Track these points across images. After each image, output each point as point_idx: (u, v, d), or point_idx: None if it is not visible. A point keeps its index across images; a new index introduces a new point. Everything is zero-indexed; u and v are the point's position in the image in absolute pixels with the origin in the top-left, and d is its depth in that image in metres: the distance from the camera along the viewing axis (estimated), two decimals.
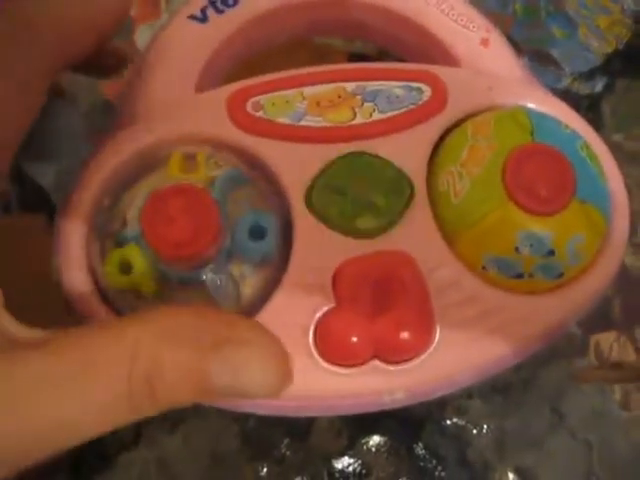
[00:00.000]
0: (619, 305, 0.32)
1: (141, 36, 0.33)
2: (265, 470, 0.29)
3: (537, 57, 0.34)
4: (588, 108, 0.35)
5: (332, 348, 0.21)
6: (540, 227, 0.21)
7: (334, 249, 0.21)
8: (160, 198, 0.20)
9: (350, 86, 0.23)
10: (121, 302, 0.21)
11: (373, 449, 0.29)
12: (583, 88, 0.35)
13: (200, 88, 0.24)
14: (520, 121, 0.22)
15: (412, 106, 0.23)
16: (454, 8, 0.25)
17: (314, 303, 0.21)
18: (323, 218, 0.21)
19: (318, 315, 0.21)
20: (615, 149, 0.24)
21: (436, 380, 0.21)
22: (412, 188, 0.22)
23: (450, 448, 0.29)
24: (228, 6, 0.25)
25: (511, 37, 0.34)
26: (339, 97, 0.23)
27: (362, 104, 0.23)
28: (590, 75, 0.35)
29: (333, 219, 0.21)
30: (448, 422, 0.30)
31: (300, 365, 0.20)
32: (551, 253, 0.21)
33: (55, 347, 0.16)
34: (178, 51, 0.24)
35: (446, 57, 0.25)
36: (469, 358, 0.21)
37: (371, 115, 0.23)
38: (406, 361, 0.21)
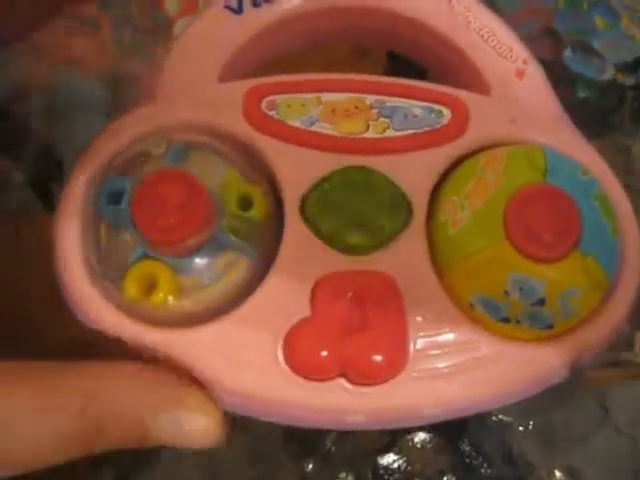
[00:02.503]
0: None
1: (178, 29, 0.33)
2: (310, 467, 0.29)
3: (580, 48, 0.33)
4: (634, 99, 0.33)
5: (299, 359, 0.20)
6: (533, 273, 0.20)
7: (319, 260, 0.21)
8: (149, 183, 0.20)
9: (370, 98, 0.23)
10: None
11: (418, 445, 0.29)
12: (628, 79, 0.33)
13: (226, 79, 0.24)
14: (534, 159, 0.21)
15: (428, 128, 0.22)
16: (495, 35, 0.24)
17: (290, 310, 0.21)
18: (314, 227, 0.21)
19: (292, 322, 0.21)
20: None
21: (400, 409, 0.20)
22: (410, 212, 0.21)
23: (495, 445, 0.29)
24: (266, 0, 0.25)
25: (553, 28, 0.33)
26: (356, 108, 0.23)
27: (377, 118, 0.22)
28: (635, 66, 0.34)
29: (323, 230, 0.21)
30: (494, 418, 0.29)
31: (265, 369, 0.20)
32: (541, 302, 0.20)
33: (18, 386, 0.18)
34: (207, 39, 0.24)
35: (477, 82, 0.24)
36: (437, 393, 0.20)
37: (384, 131, 0.22)
38: (373, 385, 0.20)
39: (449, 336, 0.21)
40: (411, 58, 0.27)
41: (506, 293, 0.20)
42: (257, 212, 0.21)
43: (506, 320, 0.21)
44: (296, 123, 0.22)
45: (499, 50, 0.24)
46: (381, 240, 0.21)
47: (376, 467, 0.29)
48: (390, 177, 0.22)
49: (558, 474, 0.29)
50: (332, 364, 0.20)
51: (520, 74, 0.24)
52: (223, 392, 0.20)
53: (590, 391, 0.29)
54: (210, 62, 0.24)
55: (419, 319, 0.21)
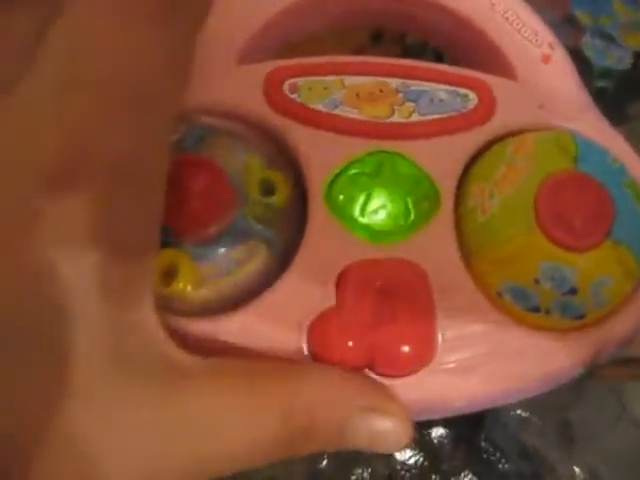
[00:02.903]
0: None
1: None
2: (325, 462, 0.28)
3: (599, 35, 0.32)
4: None
5: (324, 349, 0.20)
6: (566, 262, 0.20)
7: (345, 248, 0.20)
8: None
9: (394, 82, 0.22)
10: None
11: (435, 441, 0.29)
12: None
13: (245, 62, 0.23)
14: (564, 145, 0.21)
15: (455, 113, 0.22)
16: (520, 18, 0.24)
17: (315, 299, 0.20)
18: (340, 214, 0.20)
19: (316, 312, 0.20)
20: None
21: (427, 401, 0.20)
22: (438, 198, 0.21)
23: (512, 440, 0.29)
24: None
25: (571, 15, 0.32)
26: (380, 91, 0.22)
27: (403, 102, 0.22)
28: None
29: (350, 217, 0.20)
30: (511, 414, 0.29)
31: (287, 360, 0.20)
32: (573, 292, 0.20)
33: (226, 384, 0.17)
34: (225, 21, 0.23)
35: (503, 67, 0.24)
36: (464, 385, 0.20)
37: (410, 115, 0.22)
38: (399, 377, 0.20)
39: (477, 327, 0.20)
40: (427, 43, 0.27)
41: (537, 282, 0.20)
42: (280, 198, 0.21)
43: (536, 309, 0.20)
44: (319, 107, 0.21)
45: (524, 34, 0.24)
46: (408, 227, 0.20)
47: (393, 463, 0.28)
48: (417, 163, 0.21)
49: (576, 470, 0.28)
50: (358, 355, 0.20)
51: (546, 59, 0.23)
52: None
53: (607, 387, 0.29)
54: (229, 44, 0.23)
55: (447, 309, 0.20)
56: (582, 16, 0.33)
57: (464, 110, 0.22)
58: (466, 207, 0.21)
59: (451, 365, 0.20)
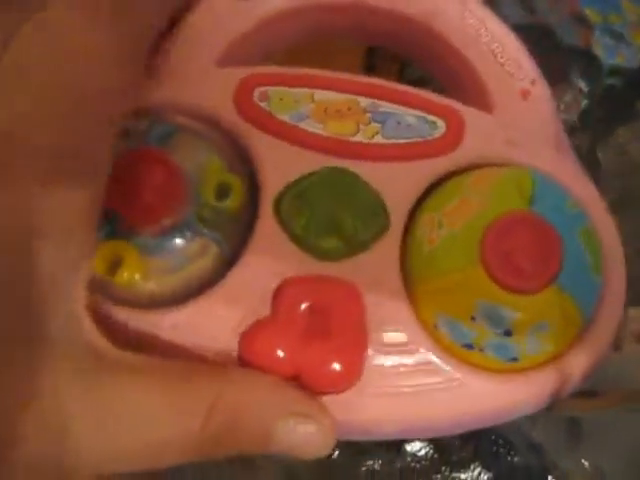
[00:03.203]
0: None
1: None
2: (337, 453, 0.29)
3: (609, 34, 0.32)
4: None
5: (253, 356, 0.20)
6: (504, 302, 0.19)
7: (286, 260, 0.20)
8: (125, 161, 0.20)
9: (364, 101, 0.22)
10: None
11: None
12: None
13: (226, 63, 0.23)
14: (521, 185, 0.20)
15: (419, 139, 0.22)
16: (505, 50, 0.24)
17: (251, 307, 0.20)
18: (286, 226, 0.21)
19: (251, 320, 0.20)
20: None
21: (347, 423, 0.20)
22: (388, 223, 0.21)
23: (522, 434, 0.29)
24: None
25: (581, 14, 0.32)
26: (348, 109, 0.22)
27: (369, 123, 0.22)
28: None
29: (295, 231, 0.20)
30: None
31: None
32: (508, 333, 0.20)
33: (151, 381, 0.18)
34: (209, 22, 0.23)
35: (481, 98, 0.23)
36: (387, 411, 0.20)
37: (373, 136, 0.22)
38: (323, 394, 0.20)
39: (409, 355, 0.20)
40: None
41: (473, 318, 0.20)
42: (233, 203, 0.21)
43: (470, 346, 0.20)
44: (285, 117, 0.22)
45: (507, 67, 0.23)
46: (352, 248, 0.20)
47: (403, 454, 0.29)
48: (372, 184, 0.21)
49: (584, 463, 0.28)
50: (285, 367, 0.20)
51: (525, 94, 0.23)
52: None
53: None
54: (209, 46, 0.23)
55: (380, 334, 0.20)
56: (591, 14, 0.32)
57: (429, 137, 0.22)
58: (414, 234, 0.21)
59: (377, 390, 0.20)
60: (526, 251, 0.20)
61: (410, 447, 0.29)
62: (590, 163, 0.29)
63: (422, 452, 0.29)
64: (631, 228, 0.29)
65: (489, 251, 0.19)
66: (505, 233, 0.20)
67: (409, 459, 0.29)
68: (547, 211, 0.20)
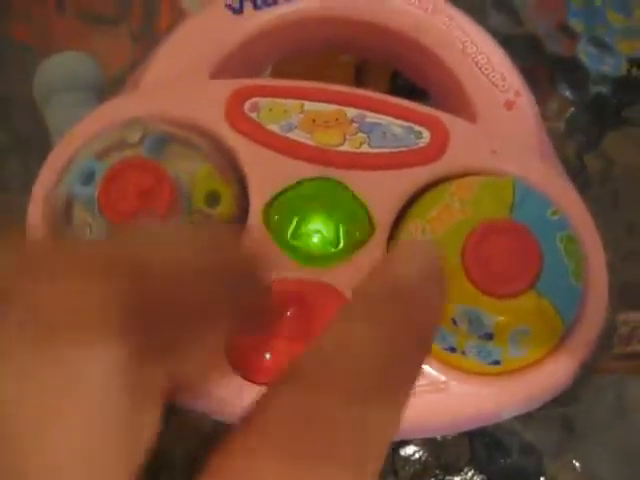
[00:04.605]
0: None
1: None
2: None
3: (593, 43, 0.32)
4: None
5: (241, 360, 0.20)
6: (484, 307, 0.20)
7: (274, 266, 0.21)
8: (117, 170, 0.20)
9: (351, 112, 0.23)
10: None
11: (438, 437, 0.29)
12: None
13: (219, 75, 0.24)
14: (503, 193, 0.21)
15: (404, 148, 0.22)
16: (490, 62, 0.24)
17: None
18: (274, 233, 0.21)
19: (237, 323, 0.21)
20: None
21: None
22: (373, 230, 0.21)
23: (512, 436, 0.30)
24: (267, 4, 0.25)
25: (567, 24, 0.32)
26: (336, 120, 0.23)
27: (356, 133, 0.22)
28: None
29: (282, 237, 0.21)
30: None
31: None
32: (489, 337, 0.20)
33: None
34: (202, 34, 0.24)
35: (465, 108, 0.24)
36: None
37: (360, 146, 0.22)
38: None
39: None
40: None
41: (454, 322, 0.20)
42: (223, 210, 0.22)
43: (452, 349, 0.21)
44: (274, 128, 0.22)
45: (492, 78, 0.24)
46: (337, 254, 0.21)
47: (396, 458, 0.29)
48: (357, 193, 0.22)
49: (576, 464, 0.29)
50: (272, 369, 0.20)
51: (510, 105, 0.24)
52: None
53: (607, 382, 0.29)
54: (202, 57, 0.24)
55: None
56: (577, 25, 0.33)
57: (414, 147, 0.22)
58: (398, 241, 0.21)
59: None
60: (505, 257, 0.20)
61: (404, 451, 0.29)
62: (577, 170, 0.30)
63: (416, 456, 0.29)
64: (618, 234, 0.30)
65: (470, 257, 0.20)
66: (485, 240, 0.20)
67: (402, 463, 0.29)
68: (527, 218, 0.21)
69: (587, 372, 0.28)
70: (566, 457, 0.29)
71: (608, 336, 0.27)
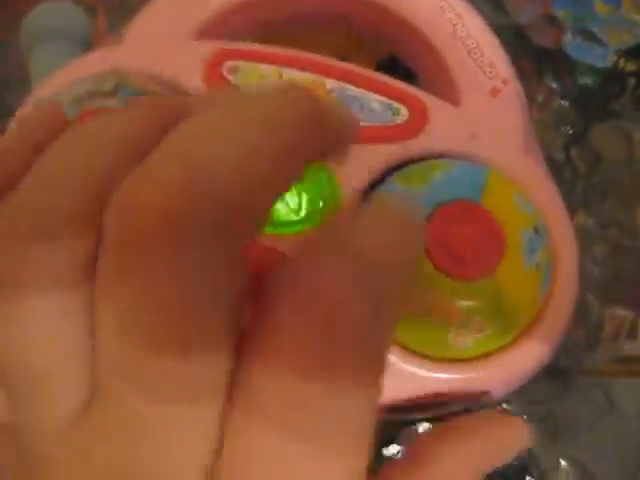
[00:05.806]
0: None
1: None
2: None
3: (580, 35, 0.31)
4: (636, 86, 0.32)
5: None
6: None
7: None
8: (85, 117, 0.20)
9: (331, 83, 0.22)
10: None
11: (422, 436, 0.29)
12: (629, 65, 0.32)
13: (200, 38, 0.24)
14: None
15: (380, 124, 0.22)
16: (480, 48, 0.24)
17: None
18: None
19: None
20: None
21: None
22: (338, 202, 0.21)
23: None
24: None
25: (553, 14, 0.32)
26: (314, 89, 0.22)
27: None
28: (637, 51, 0.32)
29: None
30: (497, 408, 0.29)
31: None
32: None
33: None
34: None
35: (449, 91, 0.23)
36: None
37: None
38: None
39: None
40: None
41: None
42: None
43: None
44: None
45: (480, 64, 0.23)
46: (297, 223, 0.21)
47: (380, 458, 0.28)
48: (327, 164, 0.21)
49: (561, 462, 0.28)
50: None
51: (495, 92, 0.23)
52: None
53: (595, 381, 0.29)
54: (187, 18, 0.24)
55: None
56: (564, 15, 0.32)
57: (391, 123, 0.22)
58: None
59: None
60: (466, 239, 0.20)
61: (387, 451, 0.29)
62: (563, 162, 0.29)
63: (399, 456, 0.28)
64: (603, 225, 0.29)
65: (429, 235, 0.20)
66: (448, 221, 0.20)
67: (386, 462, 0.28)
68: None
69: (574, 372, 0.28)
70: (551, 455, 0.28)
71: (595, 332, 0.26)
